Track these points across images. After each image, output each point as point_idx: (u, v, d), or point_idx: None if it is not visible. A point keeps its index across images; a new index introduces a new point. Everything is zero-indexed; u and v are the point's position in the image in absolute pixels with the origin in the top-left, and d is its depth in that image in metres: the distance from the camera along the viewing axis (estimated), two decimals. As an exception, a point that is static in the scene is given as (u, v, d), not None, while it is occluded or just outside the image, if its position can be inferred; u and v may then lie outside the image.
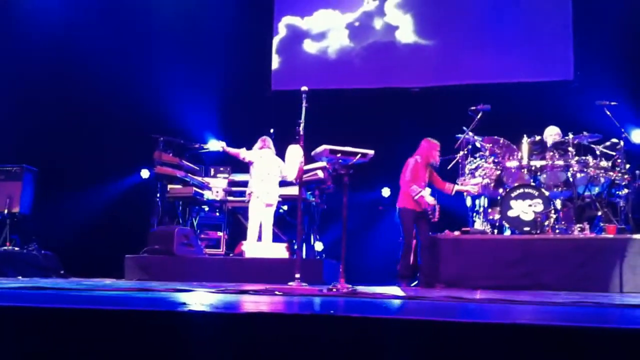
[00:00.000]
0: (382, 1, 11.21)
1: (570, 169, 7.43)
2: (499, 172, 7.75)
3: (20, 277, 7.59)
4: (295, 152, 6.53)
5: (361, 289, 5.65)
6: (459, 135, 8.04)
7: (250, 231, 8.57)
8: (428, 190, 7.45)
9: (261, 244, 8.51)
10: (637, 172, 7.57)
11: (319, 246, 9.39)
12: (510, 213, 7.32)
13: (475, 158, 7.99)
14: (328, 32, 11.38)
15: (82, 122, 10.81)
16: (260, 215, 8.55)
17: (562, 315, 3.40)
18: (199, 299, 4.10)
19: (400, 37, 11.05)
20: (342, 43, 11.31)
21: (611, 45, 9.61)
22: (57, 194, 10.18)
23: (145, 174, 10.51)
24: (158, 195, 9.05)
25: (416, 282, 7.73)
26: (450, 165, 8.23)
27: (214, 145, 10.14)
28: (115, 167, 10.67)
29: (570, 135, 7.56)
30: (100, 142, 10.65)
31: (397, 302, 4.47)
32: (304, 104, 6.43)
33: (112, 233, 9.88)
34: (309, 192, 8.93)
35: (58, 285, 5.54)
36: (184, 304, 3.38)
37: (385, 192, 10.31)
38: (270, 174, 8.54)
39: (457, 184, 7.73)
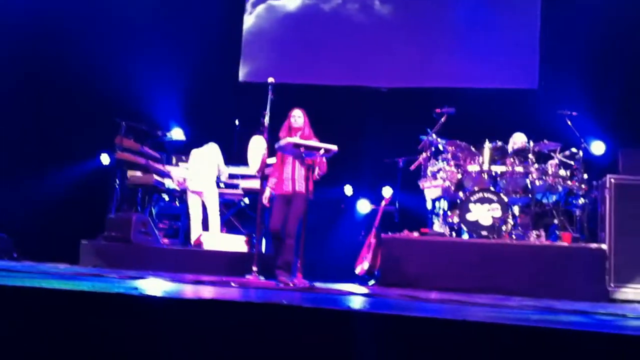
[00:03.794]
0: None
1: (530, 175, 7.52)
2: (460, 176, 7.80)
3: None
4: (258, 143, 6.49)
5: (319, 285, 5.65)
6: (423, 136, 8.09)
7: (192, 224, 8.75)
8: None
9: (217, 234, 8.49)
10: (594, 182, 7.69)
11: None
12: (469, 217, 7.38)
13: (438, 160, 8.04)
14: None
15: (44, 101, 10.57)
16: (198, 205, 8.72)
17: (513, 316, 3.44)
18: (153, 285, 4.05)
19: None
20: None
21: (576, 57, 9.76)
22: (13, 175, 9.96)
23: (105, 159, 10.32)
24: (117, 181, 8.93)
25: (373, 281, 7.76)
26: (413, 166, 8.27)
27: (177, 134, 10.05)
28: (74, 150, 10.46)
29: (531, 143, 7.66)
30: (61, 122, 10.41)
31: (352, 297, 4.48)
32: (269, 96, 6.41)
33: (69, 217, 9.68)
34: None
35: (9, 267, 5.43)
36: (136, 288, 3.33)
37: (348, 190, 10.32)
38: (195, 165, 8.79)
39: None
